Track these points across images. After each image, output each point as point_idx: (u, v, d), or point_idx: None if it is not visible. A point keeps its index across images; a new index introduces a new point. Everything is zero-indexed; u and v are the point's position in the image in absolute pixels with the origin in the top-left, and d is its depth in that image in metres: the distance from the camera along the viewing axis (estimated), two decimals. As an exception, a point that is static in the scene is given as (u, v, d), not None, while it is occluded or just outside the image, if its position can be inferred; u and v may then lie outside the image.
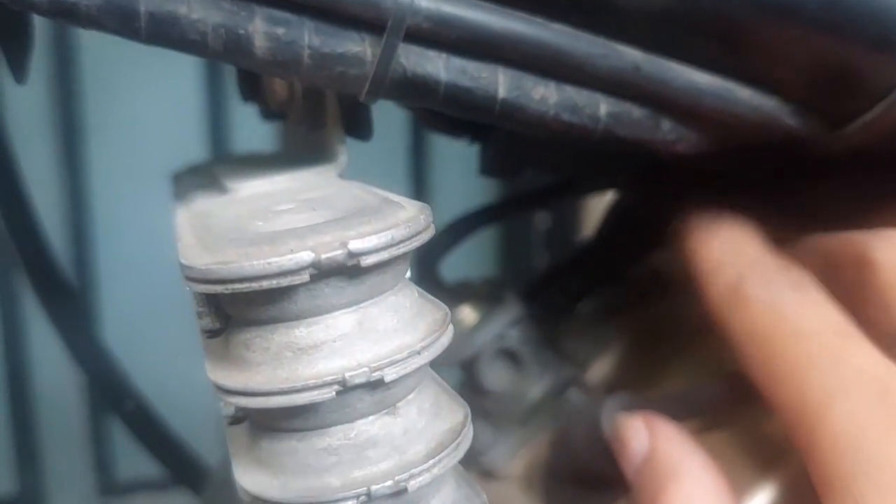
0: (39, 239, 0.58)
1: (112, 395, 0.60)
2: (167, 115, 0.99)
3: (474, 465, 0.36)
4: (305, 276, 0.14)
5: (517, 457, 0.36)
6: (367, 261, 0.14)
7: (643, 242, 0.37)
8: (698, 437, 0.23)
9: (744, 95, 0.23)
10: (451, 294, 0.38)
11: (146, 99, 0.98)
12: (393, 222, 0.15)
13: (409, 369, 0.15)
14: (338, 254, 0.14)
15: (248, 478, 0.16)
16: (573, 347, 0.38)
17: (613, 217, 0.36)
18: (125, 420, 0.53)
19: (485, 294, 0.38)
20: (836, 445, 0.17)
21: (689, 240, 0.25)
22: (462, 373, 0.37)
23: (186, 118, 1.00)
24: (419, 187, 1.03)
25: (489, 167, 0.30)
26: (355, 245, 0.14)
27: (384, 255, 0.15)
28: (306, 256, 0.14)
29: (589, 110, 0.22)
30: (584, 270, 0.39)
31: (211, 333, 0.17)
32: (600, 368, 0.37)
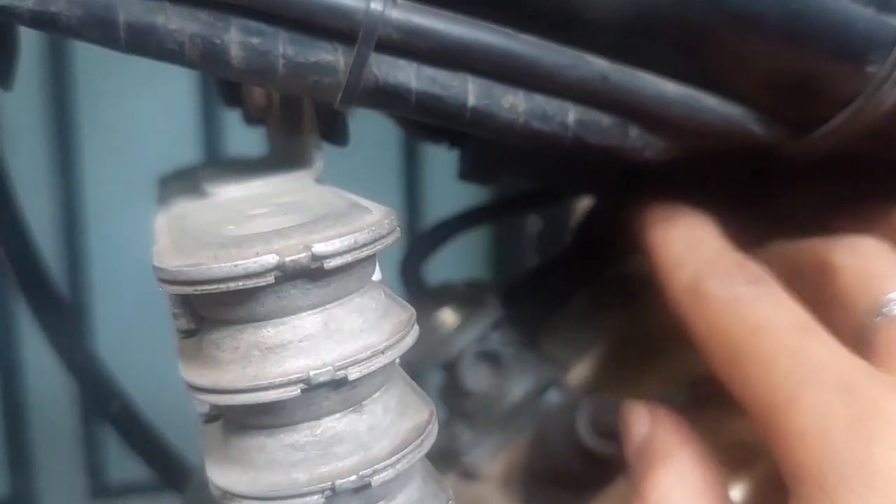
0: (30, 246, 0.58)
1: (100, 400, 0.60)
2: (161, 122, 0.99)
3: (455, 465, 0.37)
4: (270, 279, 0.15)
5: (497, 458, 0.36)
6: (331, 263, 0.15)
7: (621, 245, 0.37)
8: None
9: (710, 103, 0.24)
10: (434, 296, 0.38)
11: (139, 105, 0.98)
12: (357, 226, 0.16)
13: (372, 368, 0.16)
14: (302, 257, 0.15)
15: (218, 473, 0.17)
16: (554, 349, 0.38)
17: (591, 221, 0.37)
18: (113, 423, 0.54)
19: (466, 296, 0.38)
20: (804, 440, 0.18)
21: (649, 234, 0.26)
22: (443, 374, 0.37)
23: (180, 126, 1.00)
24: (411, 192, 1.04)
25: (467, 172, 0.31)
26: (319, 248, 0.15)
27: (348, 258, 0.15)
28: (271, 259, 0.15)
29: (558, 118, 0.23)
30: (564, 273, 0.39)
31: (186, 334, 0.18)
32: (581, 370, 0.38)
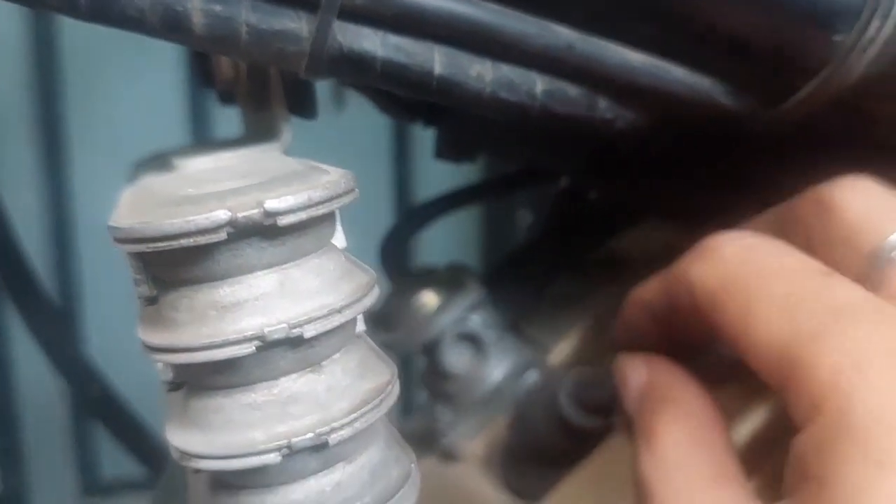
0: (16, 247, 0.58)
1: (88, 397, 0.60)
2: (149, 121, 0.99)
3: (435, 446, 0.36)
4: (223, 235, 0.15)
5: (477, 438, 0.36)
6: (284, 220, 0.15)
7: (599, 227, 0.37)
8: None
9: (678, 74, 0.24)
10: (415, 279, 0.38)
11: (128, 103, 0.98)
12: (312, 185, 0.16)
13: (328, 327, 0.16)
14: (254, 213, 0.15)
15: (177, 436, 0.17)
16: (534, 331, 0.38)
17: (562, 201, 0.37)
18: (97, 413, 0.54)
19: (447, 279, 0.38)
20: (834, 369, 0.16)
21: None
22: (424, 357, 0.37)
23: (169, 124, 1.00)
24: (401, 174, 1.04)
25: (443, 151, 0.31)
26: (271, 204, 0.15)
27: (301, 216, 0.15)
28: (223, 215, 0.15)
29: (525, 88, 0.23)
30: (544, 256, 0.39)
31: (147, 301, 0.18)
32: (561, 352, 0.38)
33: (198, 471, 0.19)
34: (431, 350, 0.37)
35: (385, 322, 0.37)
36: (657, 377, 0.22)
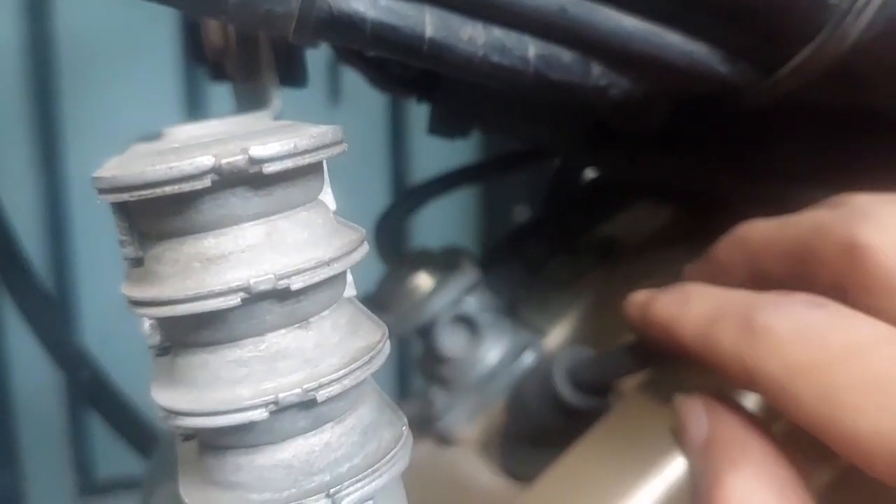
0: (11, 235, 0.58)
1: (85, 386, 0.59)
2: (145, 114, 0.99)
3: (430, 430, 0.36)
4: (207, 182, 0.14)
5: (473, 422, 0.36)
6: (270, 168, 0.15)
7: (592, 210, 0.37)
8: None
9: (674, 40, 0.24)
10: (409, 261, 0.38)
11: (124, 97, 0.98)
12: (299, 134, 0.15)
13: (316, 279, 0.15)
14: (238, 159, 0.14)
15: (162, 395, 0.16)
16: (530, 315, 0.38)
17: (557, 182, 0.37)
18: (98, 409, 0.53)
19: (442, 261, 0.38)
20: None
21: (660, 315, 0.22)
22: (418, 340, 0.37)
23: (165, 119, 1.00)
24: (397, 153, 1.04)
25: (436, 126, 0.30)
26: (256, 151, 0.15)
27: (287, 164, 0.15)
28: (207, 161, 0.14)
29: (518, 52, 0.22)
30: (540, 239, 0.39)
31: (134, 262, 0.18)
32: (557, 335, 0.38)
33: (187, 438, 0.19)
34: (426, 333, 0.37)
35: (379, 304, 0.37)
36: (720, 429, 0.20)
